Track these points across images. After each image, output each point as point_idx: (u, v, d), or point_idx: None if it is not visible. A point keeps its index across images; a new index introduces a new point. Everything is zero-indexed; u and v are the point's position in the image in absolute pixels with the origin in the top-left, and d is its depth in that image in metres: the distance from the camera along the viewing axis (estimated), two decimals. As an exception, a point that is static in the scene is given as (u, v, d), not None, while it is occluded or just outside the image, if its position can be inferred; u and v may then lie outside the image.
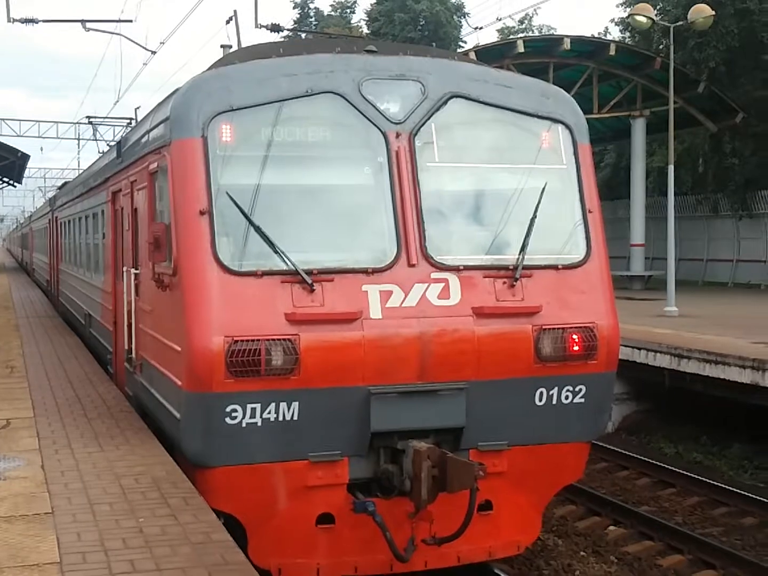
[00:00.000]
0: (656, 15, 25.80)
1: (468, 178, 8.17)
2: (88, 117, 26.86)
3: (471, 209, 8.11)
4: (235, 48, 12.01)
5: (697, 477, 12.49)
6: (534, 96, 8.33)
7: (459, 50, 44.41)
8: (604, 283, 8.03)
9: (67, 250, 20.05)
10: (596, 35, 41.85)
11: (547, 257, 7.91)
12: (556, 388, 7.78)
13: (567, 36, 26.24)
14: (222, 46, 14.04)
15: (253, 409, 7.07)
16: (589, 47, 27.21)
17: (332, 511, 7.45)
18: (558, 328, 7.69)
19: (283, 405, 7.12)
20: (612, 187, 41.58)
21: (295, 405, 7.14)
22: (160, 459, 7.70)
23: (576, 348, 7.73)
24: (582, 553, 9.99)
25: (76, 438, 8.40)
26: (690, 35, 27.14)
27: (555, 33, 46.32)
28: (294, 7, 62.89)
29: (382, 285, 7.36)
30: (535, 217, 7.88)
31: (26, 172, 57.38)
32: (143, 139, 9.42)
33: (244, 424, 7.05)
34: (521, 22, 55.34)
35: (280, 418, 7.13)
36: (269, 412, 7.10)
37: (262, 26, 23.52)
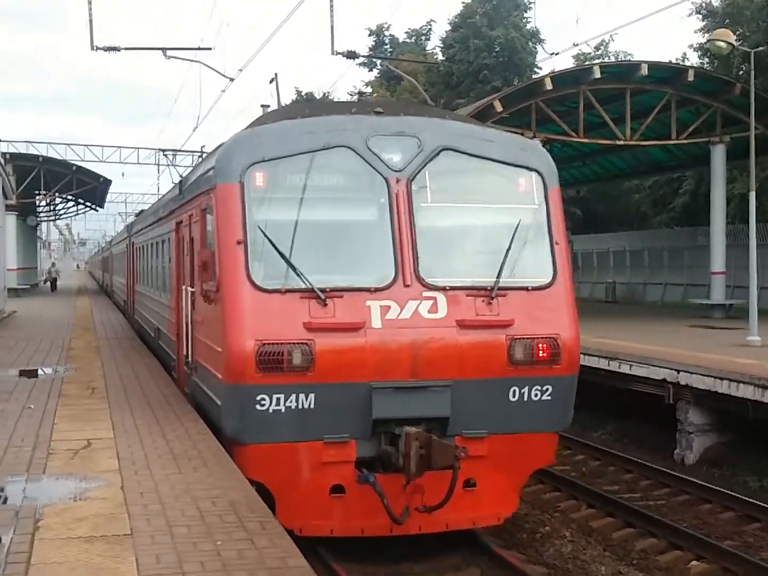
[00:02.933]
0: (736, 41, 25.32)
1: (455, 216, 9.95)
2: (162, 149, 27.64)
3: (457, 240, 9.94)
4: (273, 107, 14.22)
5: (783, 512, 12.06)
6: (512, 148, 10.11)
7: (534, 76, 44.20)
8: (568, 301, 9.73)
9: (142, 272, 21.98)
10: (674, 61, 41.30)
11: (520, 280, 9.63)
12: (526, 387, 9.42)
13: (644, 62, 25.87)
14: (262, 106, 16.49)
15: (278, 399, 8.84)
16: (666, 73, 26.79)
17: (343, 483, 9.19)
18: (527, 338, 9.37)
19: (301, 396, 8.87)
20: (691, 214, 40.84)
21: (312, 396, 8.88)
22: (237, 483, 7.68)
23: (543, 354, 9.39)
24: (664, 588, 9.70)
25: (155, 459, 8.46)
26: (772, 60, 26.57)
27: (632, 59, 45.83)
28: (369, 35, 63.40)
29: (382, 301, 9.13)
30: (510, 247, 9.60)
31: (108, 197, 58.78)
32: (197, 182, 11.43)
33: (271, 411, 8.84)
34: (597, 48, 54.84)
35: (299, 407, 8.88)
36: (290, 402, 8.86)
37: (338, 53, 23.72)
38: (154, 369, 15.41)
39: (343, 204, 9.81)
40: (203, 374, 10.64)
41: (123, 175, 70.61)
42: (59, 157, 47.66)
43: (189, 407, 11.38)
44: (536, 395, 9.46)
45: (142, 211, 30.59)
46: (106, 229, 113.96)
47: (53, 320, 27.50)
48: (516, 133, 26.29)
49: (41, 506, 6.84)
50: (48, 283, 56.79)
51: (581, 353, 17.18)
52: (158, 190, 47.96)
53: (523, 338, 9.35)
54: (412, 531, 9.41)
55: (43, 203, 55.46)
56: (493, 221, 10.08)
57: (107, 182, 48.96)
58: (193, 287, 11.49)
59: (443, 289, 9.33)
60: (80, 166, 46.94)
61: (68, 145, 50.89)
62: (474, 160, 9.93)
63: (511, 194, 10.05)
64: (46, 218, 68.23)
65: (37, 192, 47.68)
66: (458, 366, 9.14)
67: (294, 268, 9.04)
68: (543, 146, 25.24)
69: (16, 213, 44.55)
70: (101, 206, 60.19)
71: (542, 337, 9.42)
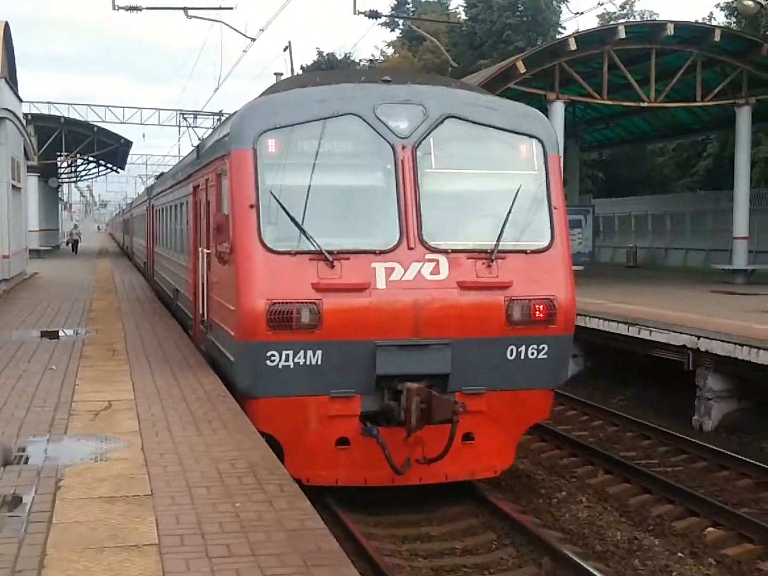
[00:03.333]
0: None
1: (458, 181, 10.50)
2: (182, 111, 27.72)
3: (459, 205, 10.39)
4: (286, 75, 14.63)
5: (801, 479, 12.05)
6: (514, 116, 10.63)
7: (558, 36, 43.72)
8: (565, 264, 10.27)
9: (161, 234, 22.60)
10: (700, 21, 40.66)
11: (518, 244, 10.15)
12: (523, 346, 9.99)
13: (670, 21, 25.48)
14: (275, 74, 17.34)
15: (287, 355, 9.46)
16: (692, 33, 26.40)
17: (348, 435, 9.80)
18: (525, 299, 9.94)
19: (309, 352, 9.48)
20: (714, 178, 40.48)
21: (319, 353, 9.49)
22: (256, 444, 7.77)
23: (539, 315, 9.95)
24: (679, 554, 9.73)
25: (175, 421, 8.56)
26: (801, 20, 26.15)
27: (657, 18, 45.18)
28: (391, -5, 62.78)
29: (386, 263, 9.70)
30: (510, 212, 10.11)
31: (129, 159, 58.82)
32: (213, 147, 11.99)
33: (280, 366, 9.47)
34: (622, 7, 54.10)
35: (308, 363, 9.49)
36: (299, 358, 9.47)
37: (360, 13, 23.52)
38: (174, 330, 15.53)
39: (351, 170, 10.37)
40: (218, 332, 11.28)
41: (144, 136, 70.47)
42: (80, 119, 47.74)
43: (209, 369, 11.48)
44: (533, 354, 10.06)
45: (162, 174, 31.12)
46: (127, 191, 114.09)
47: (74, 282, 27.69)
48: (539, 94, 26.39)
49: (62, 466, 6.96)
50: (69, 245, 56.65)
51: (600, 317, 17.20)
52: (179, 152, 47.98)
53: (521, 299, 9.93)
54: (413, 482, 10.03)
55: (65, 165, 55.61)
56: (495, 187, 10.60)
57: (128, 144, 48.94)
58: (208, 249, 12.02)
59: (445, 251, 9.89)
60: (101, 128, 46.94)
61: (89, 106, 50.99)
62: (477, 127, 10.42)
63: (512, 161, 10.59)
64: (67, 180, 68.36)
65: (58, 153, 47.81)
66: (458, 325, 9.73)
67: (303, 231, 9.63)
68: (567, 107, 25.18)
69: (38, 174, 44.71)
70: (122, 168, 60.20)
71: (539, 299, 10.00)
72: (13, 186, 25.78)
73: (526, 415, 10.56)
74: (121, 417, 8.71)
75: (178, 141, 57.39)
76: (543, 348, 10.07)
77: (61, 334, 15.31)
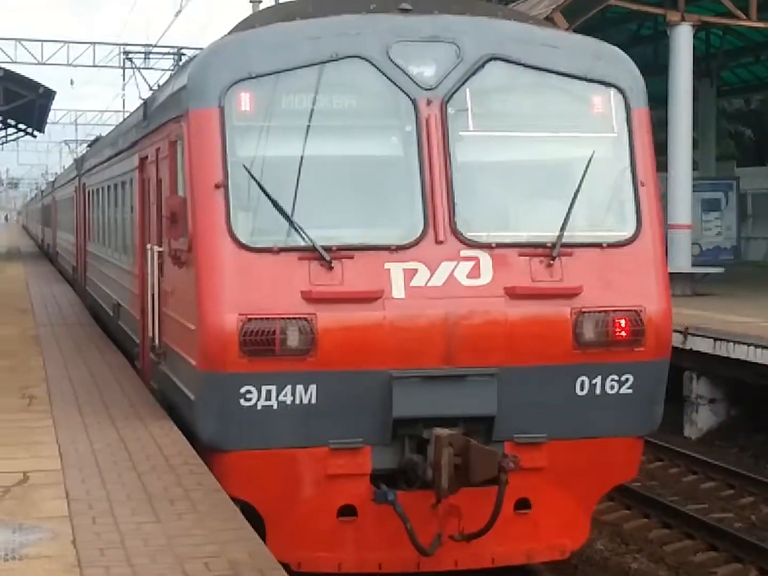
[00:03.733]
0: None
1: (506, 148, 10.76)
2: (126, 51, 27.77)
3: (508, 182, 10.68)
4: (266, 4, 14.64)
5: None
6: (584, 57, 10.80)
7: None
8: (657, 262, 10.41)
9: (95, 226, 23.10)
10: None
11: (591, 234, 10.36)
12: (599, 377, 10.12)
13: None
14: (251, 1, 17.32)
15: (269, 391, 9.62)
16: None
17: (354, 502, 9.96)
18: (600, 312, 10.05)
19: (299, 387, 9.65)
20: None
21: (313, 388, 9.66)
22: (240, 534, 7.76)
23: (621, 333, 10.07)
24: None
25: (121, 500, 8.54)
26: None
27: None
28: None
29: (406, 263, 9.86)
30: (579, 190, 10.30)
31: (51, 116, 59.23)
32: (165, 104, 12.08)
33: (259, 407, 9.65)
34: None
35: (297, 402, 9.68)
36: (285, 395, 9.65)
37: None
38: (116, 366, 15.59)
39: (356, 134, 10.63)
40: (173, 361, 11.53)
41: (72, 83, 70.73)
42: (-22, 58, 48.19)
43: (169, 422, 11.51)
44: (612, 388, 10.19)
45: (97, 139, 31.37)
46: (48, 163, 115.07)
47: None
48: (656, 13, 26.37)
49: (-43, 569, 6.98)
50: None
51: (750, 343, 17.17)
52: (123, 107, 48.37)
53: (595, 311, 10.07)
54: (447, 566, 10.14)
55: (-44, 126, 56.18)
56: (557, 155, 10.91)
57: (49, 94, 49.12)
58: (160, 246, 12.28)
59: (488, 246, 10.08)
60: (9, 71, 47.22)
61: (-8, 39, 51.54)
62: (532, 73, 10.62)
63: (582, 119, 10.81)
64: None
65: (-54, 109, 48.25)
66: (508, 348, 9.92)
67: (289, 219, 9.84)
68: (697, 33, 25.19)
69: None
70: (40, 130, 60.51)
71: (621, 310, 10.12)
72: None
73: (605, 474, 10.67)
74: (42, 495, 8.69)
75: (122, 91, 57.77)
76: (627, 379, 10.21)
77: (-48, 374, 15.39)
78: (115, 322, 18.25)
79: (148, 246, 13.24)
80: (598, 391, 10.14)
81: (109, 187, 19.58)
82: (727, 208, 31.82)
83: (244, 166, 9.92)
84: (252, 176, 9.90)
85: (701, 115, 34.25)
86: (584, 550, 12.48)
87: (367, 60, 10.18)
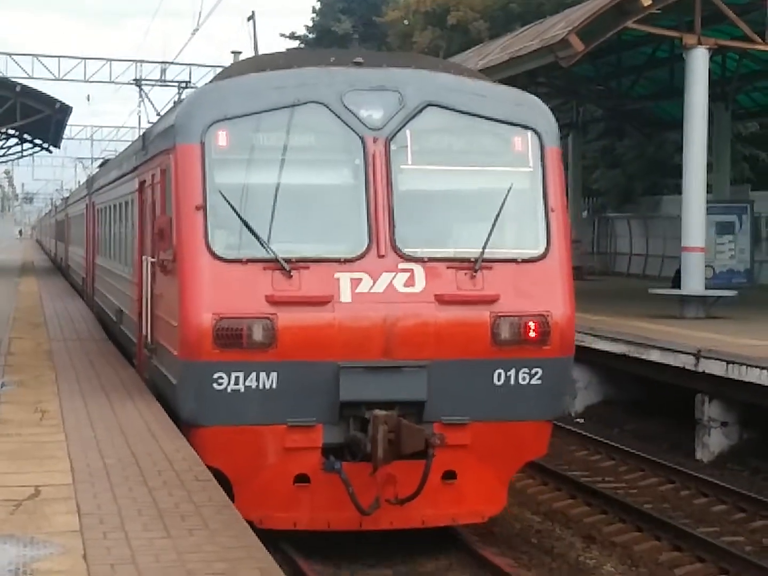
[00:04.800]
0: None
1: (439, 180, 12.86)
2: (136, 80, 28.51)
3: (440, 207, 12.75)
4: (246, 53, 16.42)
5: None
6: (507, 104, 12.90)
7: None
8: (563, 275, 12.45)
9: (102, 241, 25.44)
10: None
11: (508, 251, 12.41)
12: (513, 370, 12.15)
13: None
14: (233, 53, 20.51)
15: (237, 377, 11.64)
16: None
17: (308, 471, 11.98)
18: (514, 316, 12.08)
19: (263, 375, 11.67)
20: None
21: (274, 375, 11.68)
22: (252, 551, 7.76)
23: (532, 334, 12.10)
24: None
25: (133, 516, 8.56)
26: None
27: None
28: None
29: (353, 273, 11.87)
30: (499, 214, 12.31)
31: (66, 132, 59.28)
32: (159, 138, 14.37)
33: (229, 390, 11.68)
34: None
35: (261, 386, 11.71)
36: (251, 381, 11.68)
37: None
38: (130, 383, 15.59)
39: (313, 166, 12.73)
40: (161, 353, 13.68)
41: (89, 99, 71.13)
42: (-4, 73, 48.30)
43: (182, 440, 11.53)
44: (524, 379, 12.23)
45: (106, 161, 33.34)
46: (63, 179, 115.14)
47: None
48: (673, 36, 26.40)
49: (-32, 582, 6.98)
50: None
51: (764, 367, 17.14)
52: (138, 123, 48.36)
53: (510, 315, 12.12)
54: (384, 526, 12.25)
55: (-28, 140, 56.30)
56: (481, 185, 13.03)
57: (66, 109, 49.23)
58: (153, 258, 14.38)
59: (421, 260, 12.09)
60: (26, 86, 47.33)
61: (10, 55, 51.75)
62: (462, 117, 12.68)
63: (503, 156, 12.95)
64: (-24, 162, 69.30)
65: (-37, 124, 48.35)
66: (436, 345, 11.91)
67: (256, 235, 11.91)
68: (713, 56, 25.30)
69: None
70: (56, 146, 60.55)
71: (531, 315, 12.17)
72: None
73: (519, 451, 12.77)
74: (53, 509, 8.71)
75: (138, 107, 57.69)
76: (536, 372, 12.24)
77: (-35, 387, 15.42)
78: (118, 327, 20.26)
79: (144, 257, 15.36)
80: (512, 381, 12.16)
81: (114, 206, 21.75)
82: (741, 231, 31.72)
83: (220, 192, 11.96)
84: (226, 200, 11.93)
85: (716, 139, 34.16)
86: (594, 572, 12.72)
87: (324, 105, 12.22)
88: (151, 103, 29.91)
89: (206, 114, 12.23)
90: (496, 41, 33.95)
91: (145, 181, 15.99)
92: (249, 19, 22.76)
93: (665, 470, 17.73)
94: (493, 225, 12.25)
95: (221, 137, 12.15)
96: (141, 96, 29.74)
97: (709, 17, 25.99)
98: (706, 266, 26.18)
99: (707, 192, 26.61)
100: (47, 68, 51.96)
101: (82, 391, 14.85)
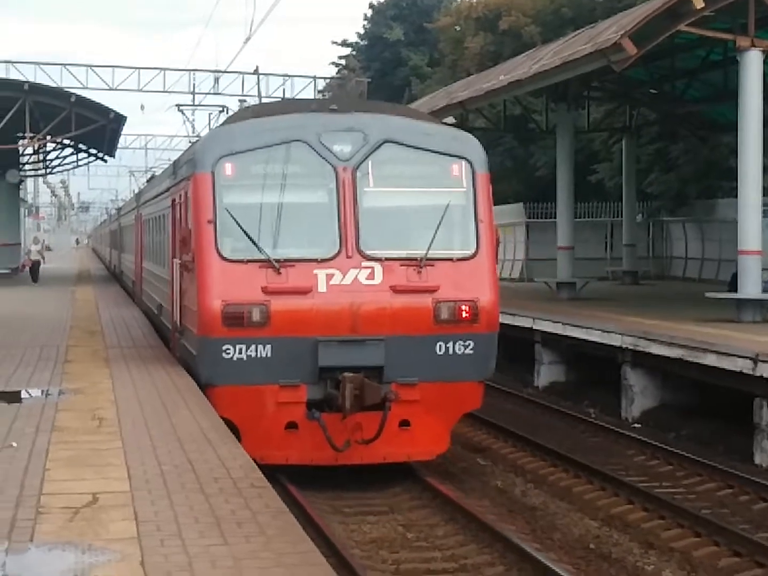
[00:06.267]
0: None
1: (393, 198, 17.14)
2: (178, 105, 30.82)
3: (394, 219, 16.98)
4: (252, 101, 22.53)
5: None
6: (446, 139, 17.01)
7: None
8: (489, 271, 16.43)
9: (148, 248, 29.28)
10: None
11: (446, 252, 16.38)
12: (451, 342, 16.07)
13: None
14: (240, 101, 28.56)
15: (241, 348, 15.62)
16: None
17: (295, 420, 15.79)
18: (451, 301, 16.02)
19: (260, 347, 15.63)
20: None
21: (268, 347, 15.65)
22: (307, 558, 7.76)
23: (465, 315, 16.03)
24: None
25: (189, 523, 8.61)
26: None
27: None
28: None
29: (327, 269, 15.81)
30: (440, 224, 16.32)
31: (121, 142, 59.51)
32: (183, 168, 18.69)
33: (235, 358, 15.65)
34: None
35: (259, 356, 15.66)
36: (251, 351, 15.63)
37: None
38: (186, 389, 15.69)
39: (297, 189, 16.64)
40: (186, 333, 17.68)
41: (143, 108, 71.39)
42: (52, 84, 48.52)
43: (239, 448, 11.56)
44: (460, 349, 16.12)
45: (153, 177, 38.87)
46: (118, 188, 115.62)
47: (43, 320, 28.12)
48: (726, 39, 26.19)
49: (28, 589, 7.00)
50: (27, 269, 52.89)
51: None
52: (191, 133, 48.46)
53: (447, 301, 16.03)
54: (354, 461, 15.99)
55: (29, 151, 56.67)
56: (426, 202, 17.07)
57: (120, 119, 49.36)
58: (180, 260, 18.24)
59: (380, 259, 16.01)
60: (81, 97, 47.50)
61: (64, 65, 52.05)
62: (412, 150, 16.77)
63: (443, 179, 16.94)
64: (33, 173, 69.82)
65: (19, 135, 48.53)
66: (391, 324, 15.83)
67: (254, 243, 15.88)
68: (767, 58, 25.11)
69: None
70: (111, 155, 60.56)
71: (464, 300, 16.07)
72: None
73: (458, 405, 16.69)
74: (111, 517, 8.77)
75: (192, 116, 57.91)
76: (469, 344, 16.13)
77: (23, 395, 15.57)
78: (159, 318, 24.40)
79: (174, 260, 19.40)
80: (450, 351, 16.08)
81: (156, 218, 25.87)
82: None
83: (227, 209, 16.09)
84: (231, 216, 16.05)
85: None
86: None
87: (306, 143, 16.24)
88: (192, 125, 31.76)
89: (216, 150, 16.42)
90: (549, 45, 33.70)
91: (175, 199, 20.11)
92: (254, 72, 28.27)
93: (723, 475, 17.60)
94: (435, 232, 16.22)
95: (228, 168, 16.20)
96: (184, 120, 31.37)
97: (763, 19, 25.74)
98: (763, 269, 25.85)
99: (763, 195, 26.28)
100: (101, 78, 52.17)
101: (139, 398, 14.99)
